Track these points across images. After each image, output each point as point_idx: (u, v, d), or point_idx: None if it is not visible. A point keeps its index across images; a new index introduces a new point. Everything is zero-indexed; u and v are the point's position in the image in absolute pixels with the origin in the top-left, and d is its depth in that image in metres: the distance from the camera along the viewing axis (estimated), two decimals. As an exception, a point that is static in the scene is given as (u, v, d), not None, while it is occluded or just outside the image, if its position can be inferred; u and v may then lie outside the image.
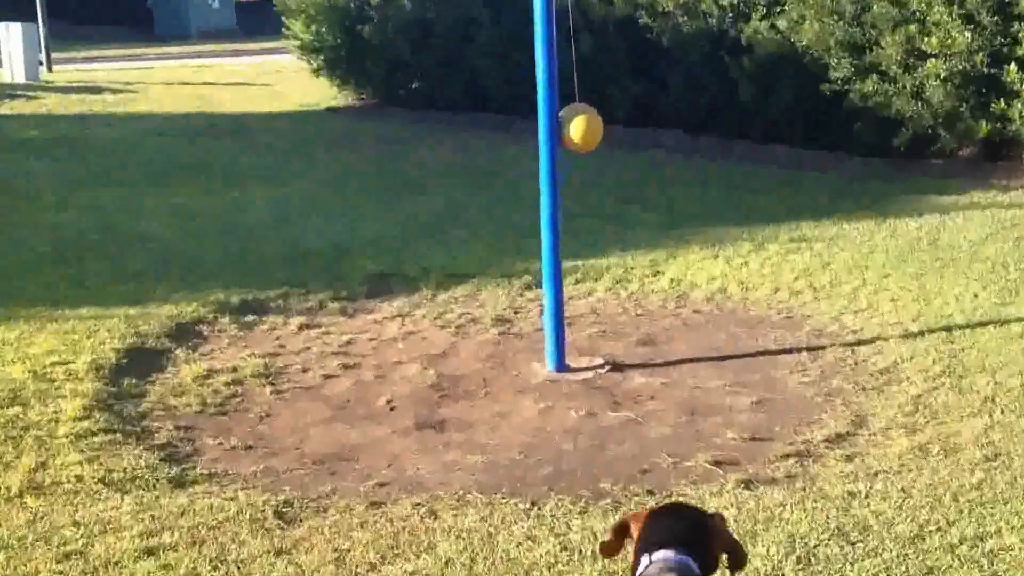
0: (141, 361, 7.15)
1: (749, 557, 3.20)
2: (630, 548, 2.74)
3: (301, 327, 7.89)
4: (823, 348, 7.00)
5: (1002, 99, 11.68)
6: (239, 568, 4.45)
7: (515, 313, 8.16)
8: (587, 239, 9.87)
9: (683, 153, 15.38)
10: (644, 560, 2.60)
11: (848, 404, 6.01)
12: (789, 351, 7.01)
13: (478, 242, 10.14)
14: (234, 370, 6.97)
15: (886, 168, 13.03)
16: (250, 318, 8.06)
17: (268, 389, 6.66)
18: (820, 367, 6.66)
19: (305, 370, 7.03)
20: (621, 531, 2.81)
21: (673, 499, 4.10)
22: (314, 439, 5.93)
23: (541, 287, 7.94)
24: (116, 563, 4.53)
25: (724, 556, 2.67)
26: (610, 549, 2.84)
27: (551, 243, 6.75)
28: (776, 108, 14.79)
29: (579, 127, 6.39)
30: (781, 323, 7.67)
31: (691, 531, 2.65)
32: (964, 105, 12.21)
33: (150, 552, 4.60)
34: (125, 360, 7.11)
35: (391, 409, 6.33)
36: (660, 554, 2.57)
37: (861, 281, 8.38)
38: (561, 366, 6.84)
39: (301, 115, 20.75)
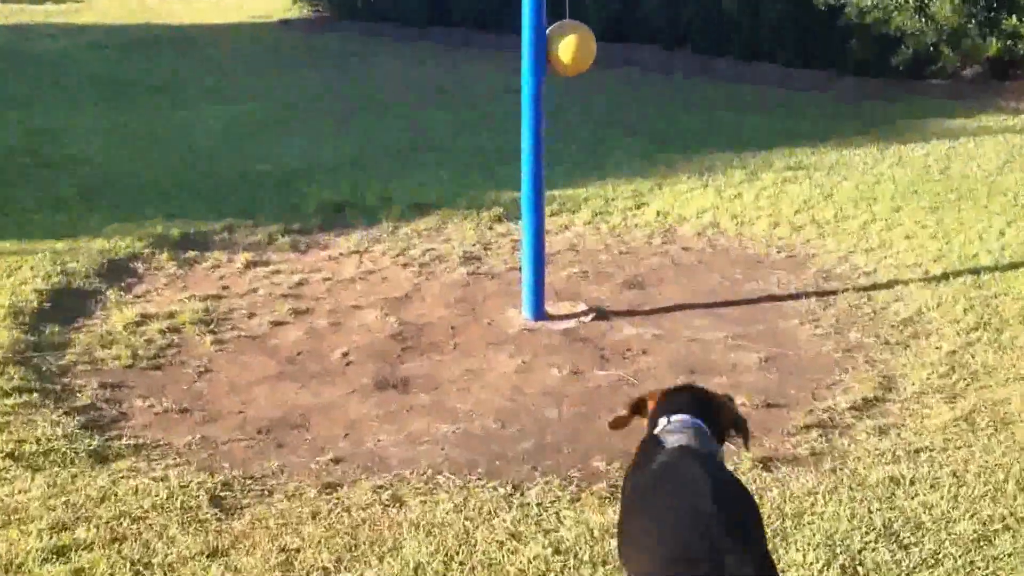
0: (66, 304, 6.33)
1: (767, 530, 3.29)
2: (643, 422, 3.06)
3: (248, 265, 7.08)
4: (834, 293, 6.31)
5: (1014, 15, 10.89)
6: (166, 574, 3.71)
7: (485, 250, 7.38)
8: (562, 166, 9.06)
9: (660, 71, 14.50)
10: (663, 421, 2.91)
11: (872, 362, 5.34)
12: (795, 296, 6.32)
13: (443, 169, 9.31)
14: (171, 316, 6.16)
15: (884, 88, 12.28)
16: (191, 254, 7.23)
17: (208, 339, 5.87)
18: (834, 316, 5.97)
19: (251, 316, 6.24)
20: (637, 408, 3.11)
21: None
22: (259, 401, 5.18)
23: (514, 221, 7.19)
24: (19, 567, 3.77)
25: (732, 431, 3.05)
26: (621, 423, 3.16)
27: (533, 175, 5.98)
28: (764, 22, 13.92)
29: (569, 47, 5.57)
30: (783, 263, 6.96)
31: (703, 404, 2.99)
32: (972, 21, 11.42)
33: (60, 552, 3.83)
34: (48, 304, 6.28)
35: (347, 364, 5.57)
36: (677, 416, 2.89)
37: (870, 215, 7.67)
38: (540, 313, 6.10)
39: (253, 27, 19.55)
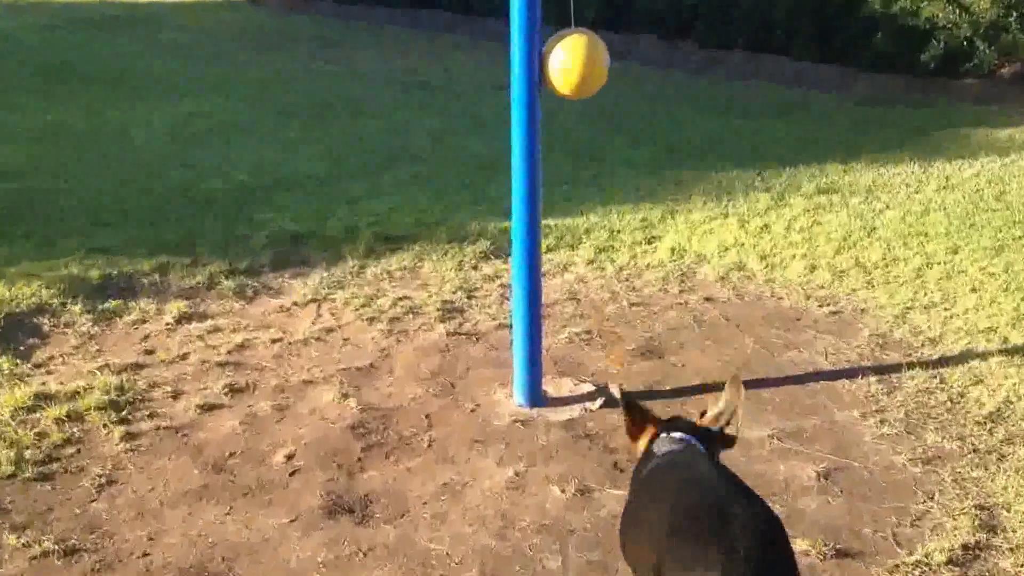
0: (-49, 370, 5.15)
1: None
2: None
3: (179, 319, 5.88)
4: (896, 370, 5.17)
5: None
6: None
7: (468, 298, 6.20)
8: (558, 185, 7.89)
9: (661, 64, 13.33)
10: (660, 437, 3.03)
11: (961, 482, 4.20)
12: (849, 374, 5.17)
13: (420, 187, 8.12)
14: (74, 396, 4.98)
15: (911, 88, 11.14)
16: (111, 304, 6.02)
17: (118, 432, 4.69)
18: (901, 406, 4.83)
19: (176, 396, 5.05)
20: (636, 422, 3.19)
21: None
22: (172, 533, 4.01)
23: (502, 259, 6.06)
24: None
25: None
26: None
27: (526, 232, 4.76)
28: (777, 11, 12.73)
29: (572, 74, 4.36)
30: (827, 322, 5.81)
31: (701, 430, 3.05)
32: (1012, 13, 10.27)
33: None
34: (-73, 370, 5.10)
35: (291, 473, 4.40)
36: (674, 433, 3.00)
37: (923, 257, 6.53)
38: (535, 398, 4.94)
39: (216, 7, 18.23)
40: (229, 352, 5.51)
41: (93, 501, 4.21)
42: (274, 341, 5.64)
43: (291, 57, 13.69)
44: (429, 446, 4.61)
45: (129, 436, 4.68)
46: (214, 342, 5.63)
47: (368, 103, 11.15)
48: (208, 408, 4.93)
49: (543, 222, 6.92)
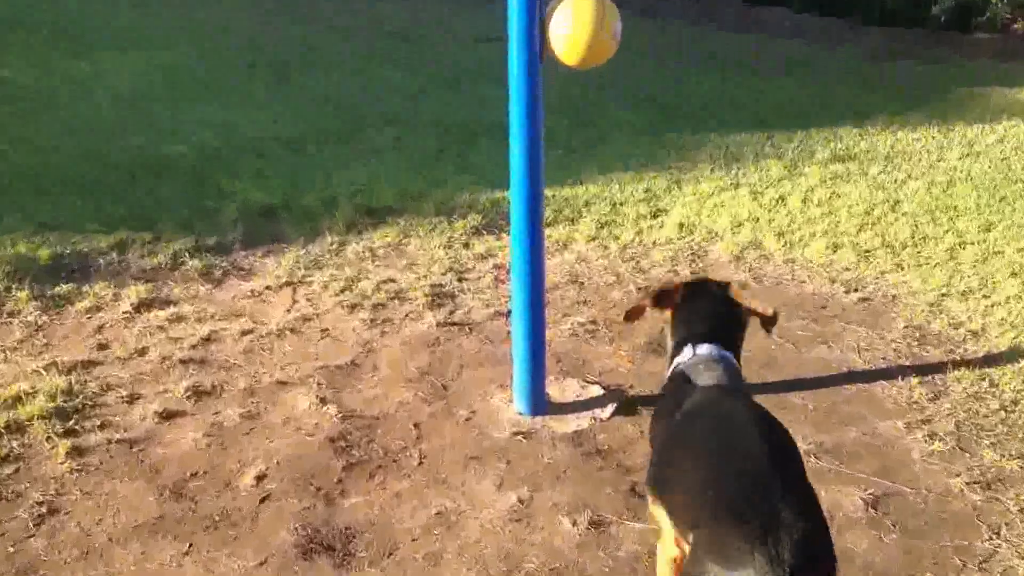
0: None
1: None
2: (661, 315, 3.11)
3: (139, 306, 5.25)
4: (940, 370, 4.63)
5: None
6: None
7: (459, 280, 5.60)
8: (554, 151, 7.26)
9: (647, 14, 12.61)
10: (687, 350, 2.94)
11: (1031, 516, 3.66)
12: (888, 374, 4.62)
13: (403, 153, 7.47)
14: (14, 402, 4.36)
15: (919, 44, 10.53)
16: (62, 289, 5.38)
17: (64, 447, 4.08)
18: (949, 414, 4.29)
19: (132, 400, 4.44)
20: (658, 300, 3.13)
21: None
22: None
23: (496, 234, 5.49)
24: None
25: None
26: (637, 314, 3.22)
27: (526, 214, 4.15)
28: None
29: (578, 40, 3.75)
30: (857, 311, 5.25)
31: (726, 318, 3.03)
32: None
33: None
34: None
35: (261, 500, 3.81)
36: (703, 348, 2.91)
37: (954, 235, 5.97)
38: (538, 404, 4.36)
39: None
40: (193, 347, 4.89)
41: (30, 536, 3.61)
42: (244, 333, 5.03)
43: (256, 7, 12.89)
44: (419, 464, 4.03)
45: (76, 452, 4.07)
46: (177, 334, 5.01)
47: (339, 57, 10.42)
48: (168, 416, 4.33)
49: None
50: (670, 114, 8.48)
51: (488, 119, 8.23)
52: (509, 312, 5.23)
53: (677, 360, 2.95)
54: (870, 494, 3.78)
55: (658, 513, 2.76)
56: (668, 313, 3.13)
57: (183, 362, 4.75)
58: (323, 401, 4.43)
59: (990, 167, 7.07)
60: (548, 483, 3.89)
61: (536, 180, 4.07)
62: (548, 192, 6.62)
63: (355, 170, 7.08)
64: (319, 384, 4.57)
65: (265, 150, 7.48)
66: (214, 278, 5.61)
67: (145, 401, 4.43)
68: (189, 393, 4.48)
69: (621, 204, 6.52)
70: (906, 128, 7.92)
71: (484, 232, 6.16)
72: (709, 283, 3.14)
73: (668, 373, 3.02)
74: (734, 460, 2.45)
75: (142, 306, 5.26)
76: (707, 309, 3.04)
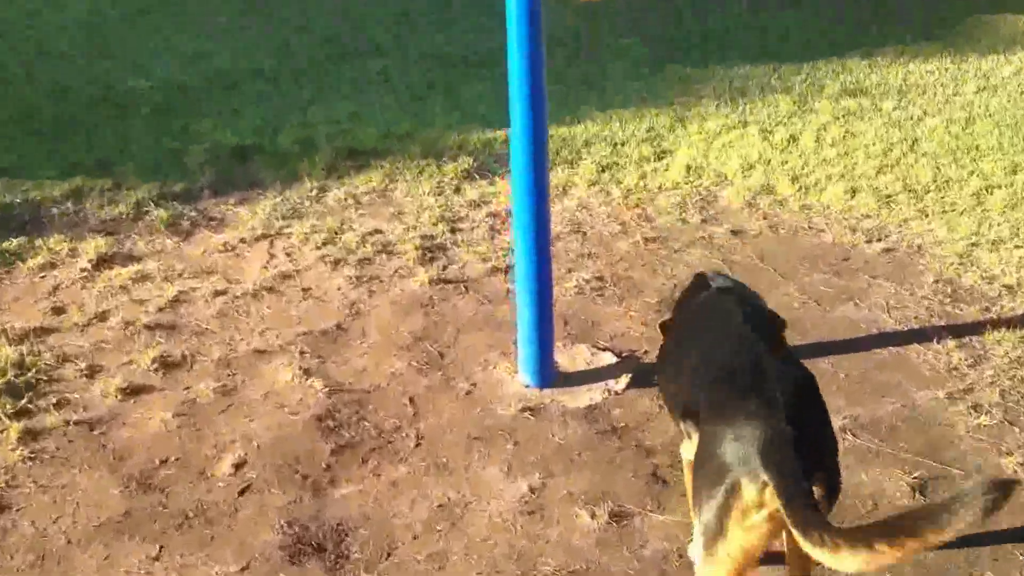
0: None
1: None
2: None
3: (98, 263, 4.77)
4: (975, 331, 4.23)
5: None
6: None
7: (452, 231, 5.14)
8: (548, 86, 6.71)
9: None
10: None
11: (1100, 505, 3.29)
12: (921, 336, 4.23)
13: (386, 87, 6.93)
14: (-39, 375, 3.88)
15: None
16: (12, 243, 4.88)
17: (15, 430, 3.64)
18: (992, 383, 3.90)
19: (92, 373, 3.99)
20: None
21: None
22: (84, 584, 3.01)
23: (489, 179, 5.07)
24: None
25: None
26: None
27: (529, 161, 3.69)
28: None
29: None
30: (882, 264, 4.84)
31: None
32: None
33: None
34: None
35: (240, 492, 3.39)
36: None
37: (979, 178, 5.54)
38: (545, 374, 3.94)
39: None
40: (160, 309, 4.42)
41: (-21, 538, 3.18)
42: (217, 294, 4.55)
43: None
44: (417, 445, 3.60)
45: (29, 436, 3.62)
46: (141, 295, 4.53)
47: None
48: (133, 392, 3.87)
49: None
50: (670, 46, 7.95)
51: (482, 50, 7.69)
52: (508, 269, 4.79)
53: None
54: (916, 478, 3.40)
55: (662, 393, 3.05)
56: None
57: (149, 328, 4.29)
58: (307, 373, 3.98)
59: (1008, 102, 6.63)
60: (561, 468, 3.48)
61: (540, 123, 3.61)
62: (543, 131, 6.14)
63: (335, 107, 6.53)
64: (302, 353, 4.12)
65: (236, 84, 6.91)
66: (182, 230, 5.11)
67: (107, 375, 3.97)
68: (156, 365, 4.03)
69: (622, 144, 6.04)
70: (917, 60, 7.44)
71: (476, 176, 5.67)
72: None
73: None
74: (722, 346, 2.59)
75: (102, 263, 4.77)
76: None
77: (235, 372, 4.01)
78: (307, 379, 3.94)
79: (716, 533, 2.20)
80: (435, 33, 8.17)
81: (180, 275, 4.69)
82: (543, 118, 3.60)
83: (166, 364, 4.04)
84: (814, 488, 2.13)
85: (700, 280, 3.06)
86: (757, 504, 2.15)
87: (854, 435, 3.62)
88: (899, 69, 7.26)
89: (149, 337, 4.21)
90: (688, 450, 2.69)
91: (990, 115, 6.39)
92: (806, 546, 2.02)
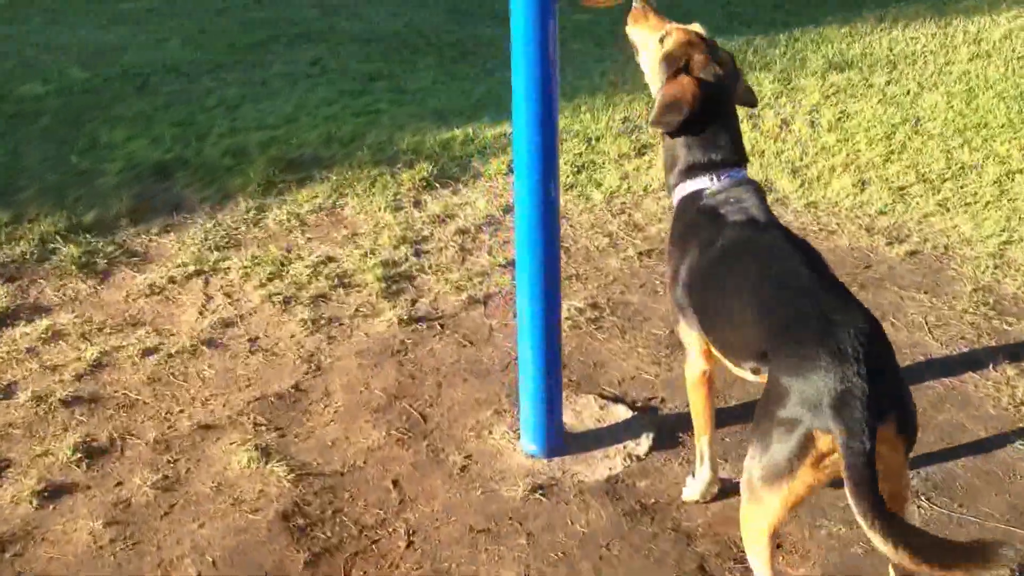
0: None
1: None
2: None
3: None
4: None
5: None
6: None
7: (416, 254, 4.51)
8: (500, 70, 6.09)
9: None
10: (704, 180, 2.79)
11: None
12: (973, 361, 3.74)
13: (321, 79, 6.20)
14: None
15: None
16: None
17: (-96, 556, 2.94)
18: (1068, 420, 3.41)
19: (-1, 470, 3.29)
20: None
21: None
22: None
23: (450, 184, 4.52)
24: None
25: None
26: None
27: (538, 181, 3.09)
28: None
29: None
30: (907, 270, 4.34)
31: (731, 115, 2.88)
32: None
33: None
34: None
35: (199, 630, 2.76)
36: (726, 178, 2.78)
37: (996, 162, 5.09)
38: (554, 439, 3.36)
39: None
40: (79, 377, 3.73)
41: None
42: (146, 352, 3.87)
43: None
44: (409, 545, 3.00)
45: (-77, 566, 2.94)
46: (54, 359, 3.82)
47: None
48: (52, 494, 3.20)
49: (499, 129, 5.27)
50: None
51: (423, 28, 7.01)
52: (487, 299, 4.19)
53: (692, 186, 2.79)
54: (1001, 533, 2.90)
55: (686, 332, 2.87)
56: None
57: (66, 403, 3.60)
58: (265, 453, 3.34)
59: (1007, 70, 6.18)
60: (589, 567, 2.91)
61: (550, 133, 2.98)
62: (507, 127, 5.52)
63: (266, 106, 5.82)
64: (256, 425, 3.48)
65: (149, 83, 6.14)
66: (98, 270, 4.39)
67: (18, 472, 3.28)
68: (79, 455, 3.35)
69: (597, 139, 5.45)
70: (899, 25, 6.97)
71: (437, 185, 5.04)
72: (719, 72, 2.79)
73: (678, 197, 2.86)
74: (784, 289, 2.51)
75: (2, 320, 4.04)
76: (727, 121, 2.81)
77: (176, 457, 3.35)
78: (266, 462, 3.30)
79: (784, 471, 2.32)
80: (375, 11, 7.46)
81: (100, 330, 3.99)
82: (554, 121, 2.99)
83: (91, 451, 3.36)
84: (889, 424, 2.26)
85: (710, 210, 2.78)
86: (830, 451, 2.26)
87: (929, 500, 3.11)
88: (883, 37, 6.77)
89: (67, 416, 3.53)
90: (694, 367, 2.91)
91: (991, 87, 5.94)
92: (853, 509, 2.15)
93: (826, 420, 2.23)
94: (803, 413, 2.28)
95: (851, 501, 2.16)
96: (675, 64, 2.79)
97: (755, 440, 2.41)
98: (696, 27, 2.94)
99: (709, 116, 2.76)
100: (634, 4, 3.01)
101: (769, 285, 2.56)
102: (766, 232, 2.68)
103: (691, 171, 2.81)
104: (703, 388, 2.95)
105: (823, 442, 2.25)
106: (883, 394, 2.26)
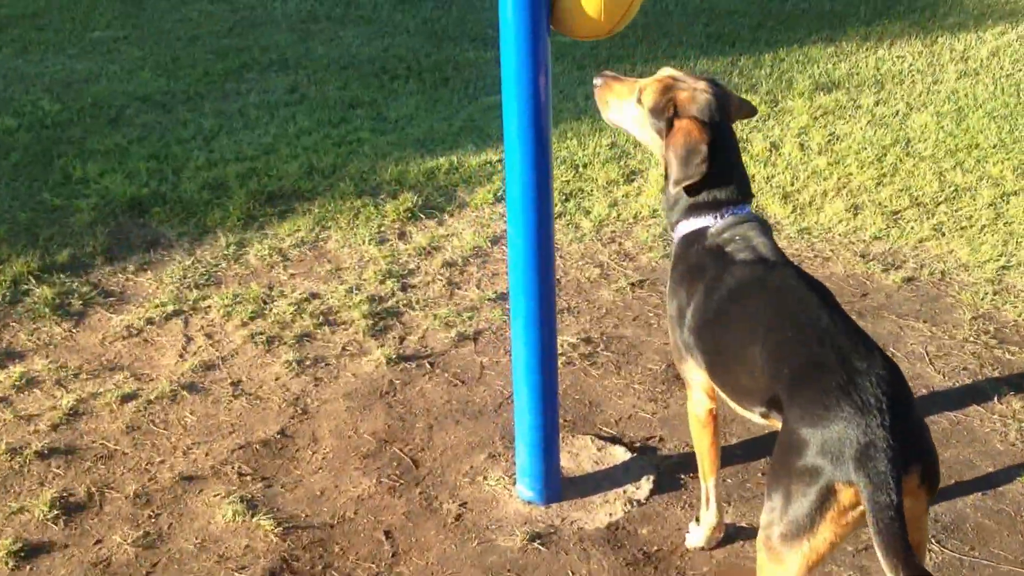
0: None
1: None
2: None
3: (-30, 367, 3.91)
4: (1043, 386, 3.70)
5: None
6: None
7: (403, 289, 4.42)
8: (483, 94, 6.04)
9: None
10: (708, 220, 2.72)
11: None
12: (977, 394, 3.68)
13: (299, 107, 6.11)
14: None
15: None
16: None
17: None
18: (1084, 457, 3.36)
19: (-28, 528, 3.16)
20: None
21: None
22: None
23: (436, 216, 4.40)
24: None
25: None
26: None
27: (533, 212, 3.00)
28: None
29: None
30: (905, 298, 4.29)
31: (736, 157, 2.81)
32: None
33: None
34: None
35: None
36: (730, 215, 2.71)
37: (990, 184, 5.07)
38: (552, 485, 3.27)
39: None
40: (55, 427, 3.61)
41: None
42: (125, 399, 3.75)
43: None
44: (404, 603, 2.90)
45: None
46: (29, 408, 3.70)
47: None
48: (29, 554, 3.08)
49: (483, 157, 5.21)
50: (611, 40, 7.28)
51: (407, 54, 6.96)
52: (478, 335, 4.10)
53: (695, 224, 2.73)
54: (1028, 600, 2.84)
55: (691, 372, 2.79)
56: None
57: (42, 456, 3.47)
58: (251, 506, 3.24)
59: (996, 88, 6.17)
60: (593, 624, 2.82)
61: (544, 161, 2.89)
62: (492, 155, 5.45)
63: (243, 136, 5.72)
64: (241, 475, 3.37)
65: (121, 115, 6.02)
66: (73, 312, 4.27)
67: (-8, 537, 3.16)
68: (56, 510, 3.23)
69: (585, 166, 5.38)
70: (885, 43, 6.95)
71: (422, 216, 4.95)
72: (709, 98, 2.71)
73: (680, 235, 2.79)
74: (799, 331, 2.45)
75: (-23, 367, 3.92)
76: (729, 155, 2.73)
77: (158, 512, 3.24)
78: (252, 515, 3.19)
79: (804, 528, 2.26)
80: (351, 35, 7.37)
81: (76, 375, 3.87)
82: (547, 149, 2.90)
83: (68, 507, 3.25)
84: (913, 475, 2.23)
85: (716, 249, 2.71)
86: (853, 505, 2.22)
87: (940, 543, 3.04)
88: (869, 56, 6.75)
89: (43, 469, 3.41)
90: (699, 405, 2.85)
91: (980, 106, 5.92)
92: (883, 564, 2.10)
93: (849, 472, 2.18)
94: (824, 465, 2.22)
95: (880, 556, 2.11)
96: (664, 115, 2.68)
97: (771, 493, 2.33)
98: (665, 71, 2.86)
99: (715, 150, 2.68)
100: (594, 84, 2.92)
101: (783, 327, 2.51)
102: (776, 270, 2.62)
103: (694, 209, 2.74)
104: (708, 427, 2.89)
105: (845, 495, 2.20)
106: (907, 444, 2.21)
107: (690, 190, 2.71)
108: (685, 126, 2.65)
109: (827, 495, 2.21)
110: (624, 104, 2.83)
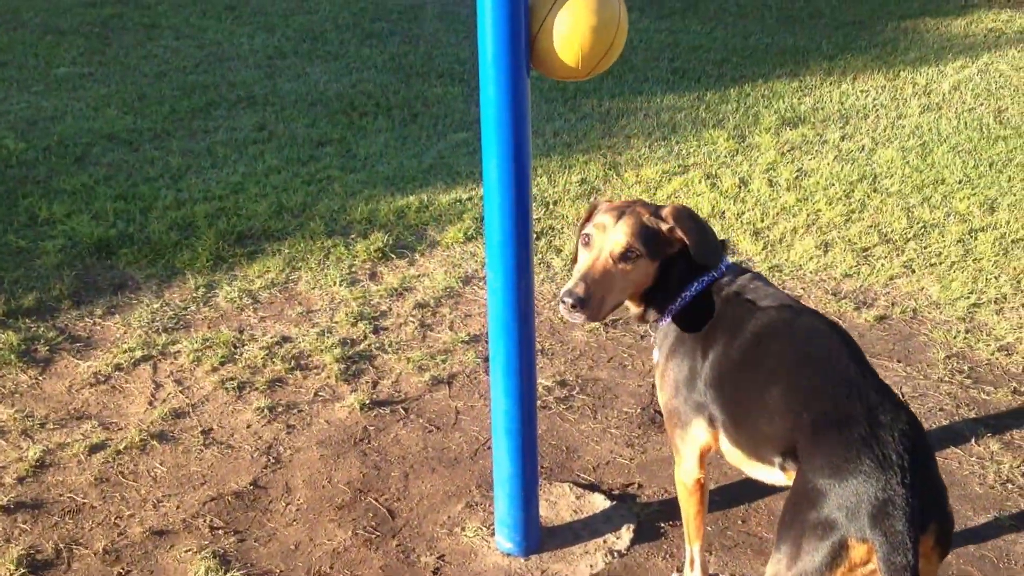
0: None
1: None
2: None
3: (-68, 418, 3.78)
4: (1016, 422, 3.69)
5: None
6: None
7: (375, 331, 4.34)
8: (451, 131, 5.99)
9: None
10: (725, 280, 2.70)
11: None
12: (955, 435, 3.67)
13: (267, 145, 6.04)
14: None
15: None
16: None
17: None
18: (1061, 500, 3.34)
19: (-66, 590, 3.04)
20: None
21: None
22: None
23: (406, 255, 4.36)
24: None
25: None
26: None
27: (512, 253, 2.95)
28: None
29: (574, 40, 2.62)
30: (878, 337, 4.28)
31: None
32: None
33: None
34: None
35: None
36: (744, 275, 2.72)
37: (957, 220, 5.09)
38: (531, 536, 3.20)
39: None
40: (21, 480, 3.49)
41: None
42: (93, 449, 3.64)
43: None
44: (383, 663, 2.82)
45: None
46: (-8, 462, 3.58)
47: (165, 13, 8.73)
48: (-8, 618, 2.96)
49: (453, 195, 5.16)
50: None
51: (371, 90, 6.90)
52: (452, 379, 4.04)
53: (699, 286, 2.69)
54: (1014, 648, 2.81)
55: (692, 435, 2.72)
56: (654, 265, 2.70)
57: (8, 511, 3.36)
58: (223, 561, 3.14)
59: (959, 123, 6.22)
60: None
61: (524, 214, 2.84)
62: (463, 193, 5.40)
63: (211, 175, 5.63)
64: (213, 529, 3.27)
65: (87, 153, 5.91)
66: (39, 358, 4.15)
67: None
68: (23, 569, 3.11)
69: (555, 203, 5.34)
70: (848, 78, 6.99)
71: (392, 255, 4.88)
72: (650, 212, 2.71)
73: (680, 308, 2.71)
74: (825, 378, 2.42)
75: (-62, 418, 3.80)
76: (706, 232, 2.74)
77: (128, 569, 3.13)
78: (225, 571, 3.09)
79: None
80: (317, 72, 7.31)
81: (43, 425, 3.76)
82: (527, 195, 2.85)
83: (35, 565, 3.13)
84: (929, 537, 2.19)
85: (727, 293, 2.69)
86: (864, 562, 2.19)
87: (922, 590, 3.00)
88: (833, 90, 6.79)
89: (9, 525, 3.29)
90: (690, 475, 2.80)
91: (944, 140, 5.96)
92: None
93: (864, 529, 2.14)
94: (839, 519, 2.18)
95: None
96: (638, 222, 2.65)
97: (780, 544, 2.29)
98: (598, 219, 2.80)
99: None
100: (561, 306, 2.62)
101: (809, 372, 2.47)
102: (804, 316, 2.60)
103: (687, 278, 2.69)
104: (697, 494, 2.86)
105: (858, 552, 2.16)
106: (926, 503, 2.17)
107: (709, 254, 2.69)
108: (666, 211, 2.67)
109: (839, 551, 2.17)
110: (602, 274, 2.66)
